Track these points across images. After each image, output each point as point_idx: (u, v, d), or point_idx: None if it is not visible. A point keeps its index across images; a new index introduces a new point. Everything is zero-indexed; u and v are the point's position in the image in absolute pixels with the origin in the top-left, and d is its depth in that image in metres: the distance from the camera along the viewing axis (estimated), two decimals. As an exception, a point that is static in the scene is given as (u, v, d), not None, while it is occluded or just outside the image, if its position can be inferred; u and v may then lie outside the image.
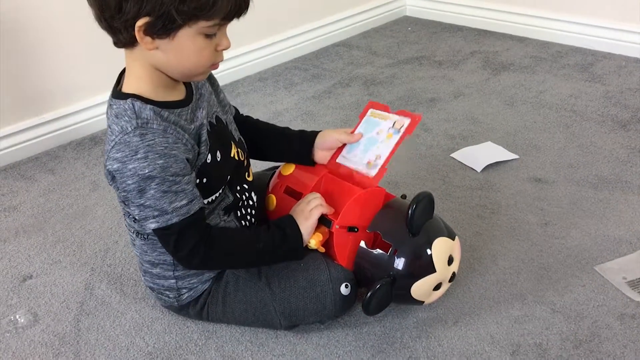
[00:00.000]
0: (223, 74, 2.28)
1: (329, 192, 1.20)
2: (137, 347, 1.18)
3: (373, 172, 1.17)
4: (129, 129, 0.97)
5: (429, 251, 1.11)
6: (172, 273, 1.15)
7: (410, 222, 1.10)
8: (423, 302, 1.15)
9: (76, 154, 1.88)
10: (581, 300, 1.23)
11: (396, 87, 2.20)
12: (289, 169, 1.28)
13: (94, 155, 1.87)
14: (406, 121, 1.20)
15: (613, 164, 1.66)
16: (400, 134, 1.19)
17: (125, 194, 1.01)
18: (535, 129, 1.86)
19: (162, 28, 0.94)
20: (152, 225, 1.02)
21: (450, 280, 1.17)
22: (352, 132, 1.25)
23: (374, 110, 1.26)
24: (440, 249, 1.12)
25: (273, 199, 1.26)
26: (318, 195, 1.16)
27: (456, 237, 1.18)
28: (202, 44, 0.98)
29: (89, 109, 1.97)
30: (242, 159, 1.18)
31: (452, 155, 1.75)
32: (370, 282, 1.12)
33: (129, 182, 0.99)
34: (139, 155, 0.97)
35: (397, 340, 1.17)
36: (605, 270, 1.30)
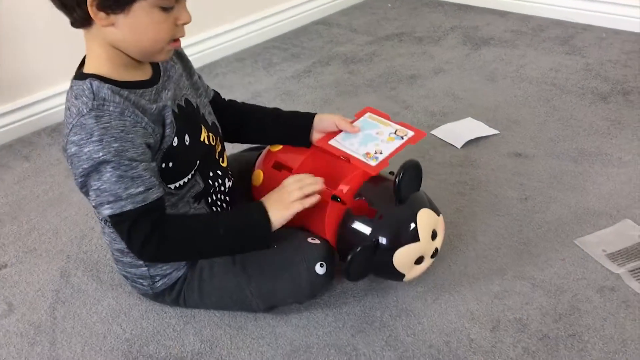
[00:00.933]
0: (200, 55, 2.25)
1: (321, 168, 1.18)
2: (115, 334, 1.17)
3: (373, 163, 1.17)
4: (85, 110, 0.94)
5: (413, 220, 1.10)
6: (142, 261, 1.13)
7: (397, 189, 1.09)
8: (404, 275, 1.14)
9: (51, 140, 1.85)
10: (561, 274, 1.23)
11: (376, 64, 2.17)
12: (277, 146, 1.26)
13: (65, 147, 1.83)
14: (410, 132, 1.22)
15: (593, 137, 1.65)
16: (404, 140, 1.21)
17: (82, 179, 0.98)
18: (516, 103, 1.85)
19: (116, 2, 0.91)
20: (106, 211, 0.98)
21: (432, 256, 1.16)
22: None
23: (373, 114, 1.27)
24: (425, 220, 1.12)
25: (260, 174, 1.24)
26: (303, 179, 1.10)
27: (440, 214, 1.17)
28: (159, 17, 0.95)
29: (62, 94, 1.90)
30: (214, 144, 1.15)
31: (433, 132, 1.74)
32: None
33: (85, 165, 0.96)
34: (94, 138, 0.94)
35: (376, 319, 1.16)
36: (585, 244, 1.29)
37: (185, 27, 1.00)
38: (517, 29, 2.34)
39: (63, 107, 1.91)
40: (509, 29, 2.35)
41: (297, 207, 1.06)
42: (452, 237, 1.34)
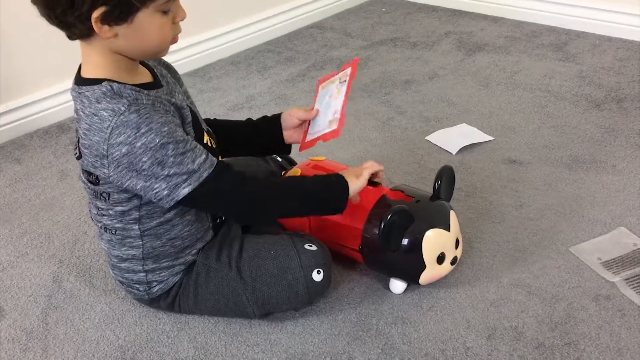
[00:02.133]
0: (194, 58, 2.24)
1: None
2: (108, 340, 1.16)
3: (335, 126, 1.16)
4: (122, 108, 0.94)
5: (447, 212, 1.18)
6: (141, 267, 1.12)
7: (437, 187, 1.19)
8: (424, 268, 1.15)
9: (43, 143, 1.83)
10: (556, 282, 1.23)
11: (370, 69, 2.17)
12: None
13: (61, 144, 1.82)
14: (348, 70, 1.21)
15: (587, 144, 1.66)
16: (346, 82, 1.19)
17: (135, 179, 0.97)
18: (510, 110, 1.85)
19: (120, 14, 0.92)
20: (185, 190, 0.98)
21: (452, 263, 1.18)
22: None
23: (322, 83, 1.26)
24: (454, 219, 1.19)
25: (298, 170, 1.29)
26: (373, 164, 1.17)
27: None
28: (160, 21, 0.96)
29: (55, 96, 1.92)
30: (215, 147, 1.16)
31: (427, 138, 1.74)
32: None
33: (144, 159, 0.95)
34: (143, 130, 0.94)
35: (372, 326, 1.16)
36: (580, 252, 1.29)
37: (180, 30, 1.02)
38: (511, 35, 2.35)
39: (55, 109, 1.93)
40: (503, 34, 2.36)
41: (368, 173, 1.13)
42: (448, 244, 1.34)
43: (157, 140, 0.94)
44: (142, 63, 1.07)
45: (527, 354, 1.08)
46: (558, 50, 2.19)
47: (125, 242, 1.10)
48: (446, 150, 1.67)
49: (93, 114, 0.96)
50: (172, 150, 0.96)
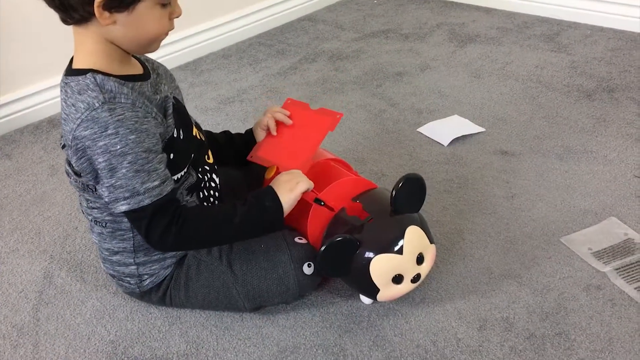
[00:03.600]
0: (186, 51, 2.23)
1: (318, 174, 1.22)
2: (99, 335, 1.15)
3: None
4: (96, 104, 0.94)
5: (401, 232, 1.08)
6: (132, 260, 1.12)
7: (394, 198, 1.08)
8: (378, 290, 1.09)
9: (33, 138, 1.82)
10: (547, 273, 1.23)
11: (362, 61, 2.16)
12: (270, 172, 1.25)
13: (52, 139, 1.81)
14: (327, 123, 1.23)
15: (579, 135, 1.66)
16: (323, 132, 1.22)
17: (92, 174, 0.98)
18: (502, 101, 1.85)
19: (122, 2, 0.93)
20: (122, 207, 0.97)
21: (413, 281, 1.10)
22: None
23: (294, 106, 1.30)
24: (413, 237, 1.08)
25: (274, 168, 1.25)
26: (297, 175, 1.11)
27: (434, 243, 1.14)
28: (159, 13, 0.97)
29: (46, 91, 1.90)
30: (203, 139, 1.16)
31: (419, 129, 1.73)
32: None
33: (100, 159, 0.95)
34: (109, 131, 0.93)
35: (364, 319, 1.16)
36: (571, 242, 1.30)
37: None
38: (502, 26, 2.35)
39: (45, 104, 1.92)
40: (495, 26, 2.35)
41: (302, 187, 1.08)
42: (439, 236, 1.34)
43: (118, 147, 0.94)
44: (134, 56, 1.07)
45: (518, 345, 1.08)
46: (550, 41, 2.19)
47: (116, 235, 1.10)
48: (438, 142, 1.67)
49: (72, 104, 0.96)
50: (128, 163, 0.95)
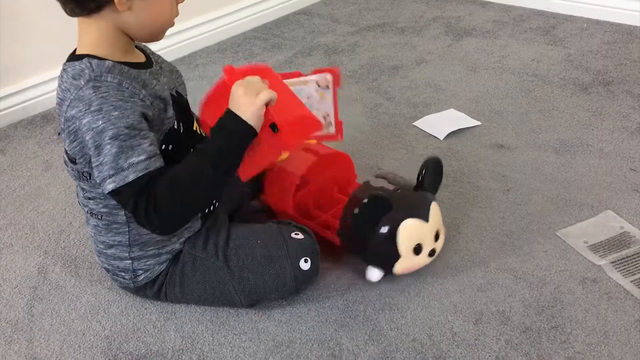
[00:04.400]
0: (180, 45, 2.22)
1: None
2: (94, 331, 1.15)
3: (332, 130, 1.23)
4: (82, 83, 0.94)
5: (428, 203, 1.16)
6: (127, 254, 1.11)
7: (423, 176, 1.18)
8: (398, 257, 1.13)
9: (27, 133, 1.81)
10: (543, 266, 1.23)
11: (358, 55, 2.16)
12: (282, 156, 1.28)
13: (46, 134, 1.80)
14: (328, 76, 1.23)
15: (574, 128, 1.66)
16: (331, 90, 1.23)
17: (85, 159, 0.97)
18: (498, 94, 1.85)
19: None
20: (109, 186, 0.94)
21: (430, 255, 1.16)
22: None
23: (286, 79, 1.24)
24: (436, 210, 1.17)
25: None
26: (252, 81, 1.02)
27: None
28: None
29: (40, 85, 1.89)
30: (204, 135, 1.15)
31: (415, 123, 1.73)
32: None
33: (87, 138, 0.94)
34: (92, 108, 0.93)
35: (360, 313, 1.15)
36: (567, 235, 1.29)
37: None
38: (498, 19, 2.34)
39: (40, 99, 1.91)
40: (491, 19, 2.34)
41: (264, 97, 0.99)
42: (435, 230, 1.33)
43: (100, 124, 0.92)
44: (138, 47, 1.07)
45: (514, 338, 1.08)
46: (546, 34, 2.19)
47: (111, 228, 1.09)
48: (434, 136, 1.67)
49: (67, 88, 0.97)
50: (110, 139, 0.93)
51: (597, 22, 2.23)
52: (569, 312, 1.12)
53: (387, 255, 1.15)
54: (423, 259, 1.16)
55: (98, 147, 0.94)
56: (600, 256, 1.23)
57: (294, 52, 2.21)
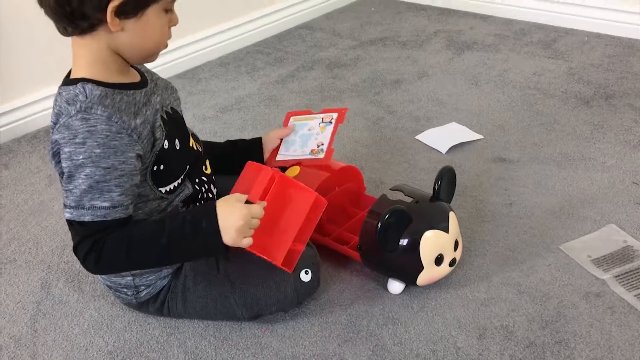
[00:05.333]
0: (183, 60, 2.23)
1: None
2: (97, 346, 1.15)
3: (321, 155, 1.27)
4: (72, 112, 0.95)
5: (446, 213, 1.18)
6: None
7: (440, 186, 1.19)
8: (421, 270, 1.15)
9: (31, 148, 1.82)
10: (547, 280, 1.23)
11: (360, 69, 2.17)
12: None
13: (49, 148, 1.80)
14: (334, 114, 1.32)
15: (577, 142, 1.66)
16: (333, 124, 1.30)
17: (63, 176, 0.98)
18: (500, 108, 1.85)
19: (135, 7, 0.94)
20: (66, 214, 0.97)
21: (451, 264, 1.18)
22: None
23: (295, 116, 1.36)
24: (454, 220, 1.19)
25: (297, 169, 1.29)
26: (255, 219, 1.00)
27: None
28: (163, 20, 0.99)
29: (43, 100, 1.90)
30: (200, 150, 1.16)
31: (417, 137, 1.73)
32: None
33: (64, 164, 0.96)
34: (77, 140, 0.94)
35: (363, 328, 1.15)
36: (570, 249, 1.29)
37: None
38: (500, 33, 2.35)
39: (43, 113, 1.92)
40: (492, 33, 2.36)
41: (245, 243, 0.98)
42: (438, 244, 1.33)
43: (80, 157, 0.94)
44: (133, 66, 1.07)
45: (517, 353, 1.08)
46: (547, 48, 2.19)
47: None
48: (436, 150, 1.67)
49: (57, 113, 0.98)
50: (85, 175, 0.94)
51: (598, 35, 2.24)
52: (573, 327, 1.12)
53: (409, 268, 1.16)
54: (444, 269, 1.18)
55: (71, 177, 0.96)
56: (603, 270, 1.23)
57: (296, 66, 2.22)
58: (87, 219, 0.96)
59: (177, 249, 1.00)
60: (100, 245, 0.96)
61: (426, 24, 2.50)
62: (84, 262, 0.99)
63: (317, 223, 1.10)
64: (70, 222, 0.98)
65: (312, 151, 1.29)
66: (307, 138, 1.31)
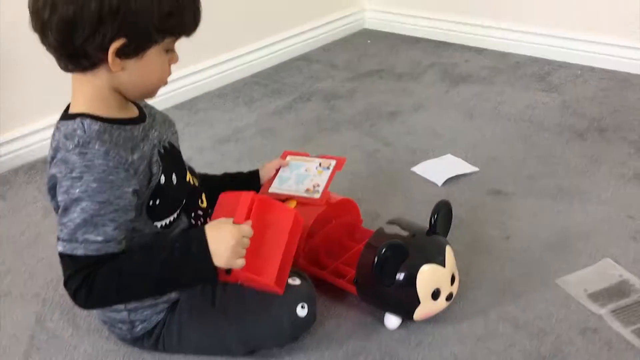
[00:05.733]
0: (181, 91, 2.24)
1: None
2: (91, 382, 1.14)
3: (317, 195, 1.29)
4: (70, 147, 0.95)
5: (443, 247, 1.18)
6: (123, 306, 1.11)
7: (436, 220, 1.21)
8: (418, 304, 1.14)
9: (28, 178, 1.82)
10: (543, 315, 1.22)
11: (357, 101, 2.19)
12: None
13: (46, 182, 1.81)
14: (332, 161, 1.34)
15: (571, 174, 1.67)
16: (331, 170, 1.32)
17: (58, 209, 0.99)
18: (495, 140, 1.87)
19: (136, 48, 0.95)
20: (59, 247, 0.97)
21: (447, 299, 1.18)
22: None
23: (293, 156, 1.38)
24: (450, 254, 1.19)
25: (294, 202, 1.30)
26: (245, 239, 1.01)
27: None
28: (163, 59, 1.00)
29: (40, 131, 1.90)
30: (196, 185, 1.16)
31: (413, 169, 1.74)
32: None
33: (60, 198, 0.96)
34: (74, 174, 0.94)
35: (359, 364, 1.14)
36: (566, 283, 1.29)
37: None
38: (494, 66, 2.38)
39: (40, 144, 1.92)
40: (487, 65, 2.38)
41: (239, 263, 0.99)
42: (435, 278, 1.33)
43: (76, 192, 0.94)
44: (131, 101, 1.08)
45: (515, 390, 1.07)
46: (541, 81, 2.22)
47: None
48: (432, 182, 1.68)
49: (55, 147, 0.99)
50: (81, 209, 0.95)
51: (592, 68, 2.27)
52: (570, 363, 1.12)
53: (406, 302, 1.16)
54: (441, 303, 1.17)
55: (66, 210, 0.96)
56: (600, 305, 1.23)
57: (293, 97, 2.24)
58: (79, 252, 0.96)
59: (168, 277, 1.01)
60: (91, 281, 0.96)
61: (421, 56, 2.53)
62: (75, 298, 0.99)
63: (297, 243, 1.14)
64: (62, 256, 0.98)
65: (307, 190, 1.30)
66: (303, 177, 1.33)
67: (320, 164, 1.34)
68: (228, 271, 1.02)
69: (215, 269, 0.99)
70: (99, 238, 0.96)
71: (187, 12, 0.98)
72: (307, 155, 1.38)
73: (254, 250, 1.03)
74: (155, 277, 0.99)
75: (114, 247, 0.98)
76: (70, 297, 0.99)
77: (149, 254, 1.00)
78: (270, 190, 1.32)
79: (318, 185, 1.30)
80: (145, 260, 0.99)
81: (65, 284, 0.99)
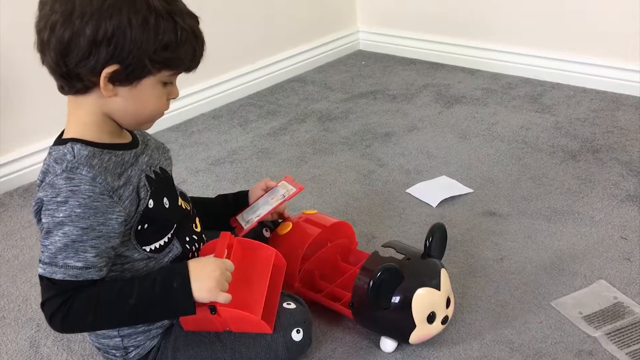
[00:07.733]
0: (177, 113, 2.25)
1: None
2: (85, 408, 1.13)
3: (245, 226, 1.26)
4: (59, 171, 0.96)
5: (438, 270, 1.18)
6: (116, 332, 1.10)
7: (431, 243, 1.20)
8: (413, 328, 1.14)
9: (23, 201, 1.82)
10: (539, 338, 1.22)
11: (351, 122, 2.20)
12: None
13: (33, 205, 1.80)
14: (292, 190, 1.28)
15: (565, 196, 1.68)
16: (282, 199, 1.27)
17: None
18: (489, 161, 1.88)
19: (129, 76, 0.95)
20: (39, 269, 0.97)
21: (443, 322, 1.18)
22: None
23: (284, 182, 1.34)
24: (445, 277, 1.19)
25: (289, 224, 1.30)
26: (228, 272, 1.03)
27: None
28: (160, 92, 1.00)
29: (36, 154, 1.91)
30: (189, 209, 1.16)
31: (408, 190, 1.75)
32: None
33: (44, 220, 0.96)
34: (59, 198, 0.94)
35: (355, 388, 1.14)
36: (561, 306, 1.30)
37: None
38: (487, 87, 2.40)
39: (36, 167, 1.92)
40: (480, 86, 2.41)
41: (223, 298, 1.00)
42: (430, 300, 1.33)
43: (60, 216, 0.94)
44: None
45: (511, 414, 1.07)
46: (534, 102, 2.24)
47: None
48: (427, 203, 1.69)
49: (44, 171, 0.99)
50: (63, 233, 0.95)
51: (584, 89, 2.29)
52: (566, 386, 1.12)
53: (402, 326, 1.16)
54: (437, 327, 1.18)
55: (49, 233, 0.96)
56: (595, 327, 1.23)
57: (288, 118, 2.25)
58: (58, 276, 0.96)
59: (146, 310, 1.01)
60: (68, 306, 0.96)
61: (415, 77, 2.55)
62: (50, 322, 0.99)
63: (282, 283, 1.15)
64: (41, 278, 0.98)
65: (249, 220, 1.27)
66: (262, 205, 1.29)
67: (282, 194, 1.29)
68: (213, 310, 1.02)
69: (193, 304, 0.99)
70: (79, 264, 0.96)
71: (185, 47, 0.98)
72: (302, 189, 1.29)
73: (238, 287, 1.04)
74: (131, 308, 0.99)
75: (93, 274, 0.97)
76: (46, 319, 0.99)
77: (129, 285, 1.00)
78: (237, 217, 1.31)
79: (258, 216, 1.25)
80: (125, 291, 0.99)
81: (42, 306, 0.99)
